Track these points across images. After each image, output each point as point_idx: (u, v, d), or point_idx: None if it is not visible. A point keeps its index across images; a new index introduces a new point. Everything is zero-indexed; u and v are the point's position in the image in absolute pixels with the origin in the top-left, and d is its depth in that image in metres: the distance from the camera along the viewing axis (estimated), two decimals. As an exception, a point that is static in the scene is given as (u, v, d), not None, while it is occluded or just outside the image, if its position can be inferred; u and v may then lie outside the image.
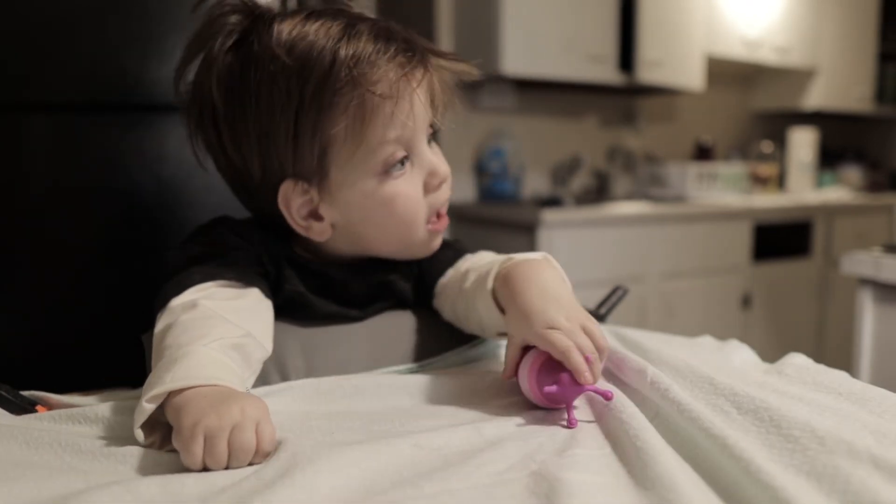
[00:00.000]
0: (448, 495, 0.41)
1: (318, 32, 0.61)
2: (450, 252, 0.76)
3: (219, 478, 0.44)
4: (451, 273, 0.74)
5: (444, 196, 0.69)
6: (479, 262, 0.72)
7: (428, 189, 0.67)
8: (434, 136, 0.70)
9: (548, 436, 0.51)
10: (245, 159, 0.64)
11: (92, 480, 0.44)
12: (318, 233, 0.67)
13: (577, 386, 0.54)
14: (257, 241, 0.68)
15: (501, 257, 0.69)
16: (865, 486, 0.38)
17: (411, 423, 0.54)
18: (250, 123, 0.62)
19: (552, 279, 0.61)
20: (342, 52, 0.60)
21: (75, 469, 0.46)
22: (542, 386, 0.55)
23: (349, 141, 0.62)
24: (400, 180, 0.65)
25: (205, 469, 0.46)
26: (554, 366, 0.55)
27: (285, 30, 0.61)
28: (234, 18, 0.64)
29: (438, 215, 0.70)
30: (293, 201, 0.65)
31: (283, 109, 0.60)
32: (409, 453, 0.47)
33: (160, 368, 0.52)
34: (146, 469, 0.47)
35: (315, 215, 0.66)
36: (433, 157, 0.67)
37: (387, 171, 0.64)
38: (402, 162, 0.65)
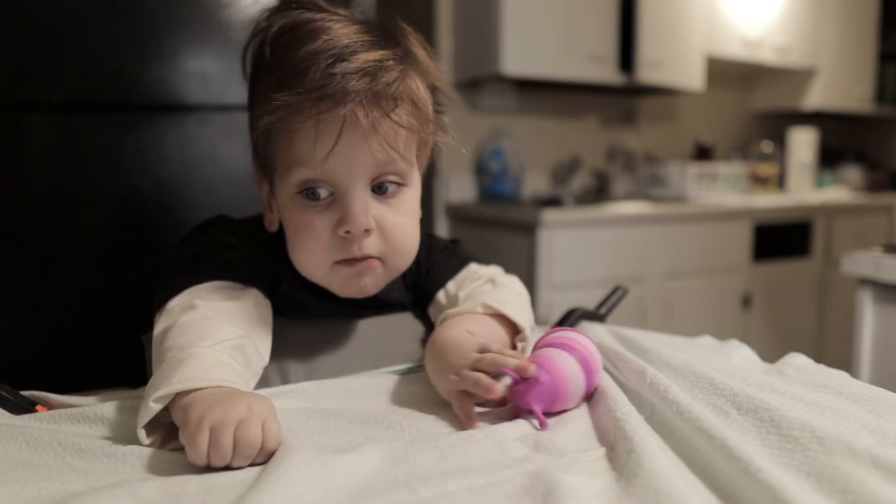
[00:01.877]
0: (443, 498, 0.41)
1: (315, 32, 0.61)
2: (452, 262, 0.76)
3: (218, 478, 0.44)
4: (451, 286, 0.75)
5: (357, 249, 0.62)
6: (470, 287, 0.73)
7: (338, 233, 0.62)
8: (396, 187, 0.64)
9: (544, 437, 0.51)
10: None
11: (92, 481, 0.44)
12: (268, 221, 0.69)
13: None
14: (254, 240, 0.68)
15: (483, 294, 0.70)
16: (865, 486, 0.38)
17: (409, 424, 0.54)
18: (249, 95, 0.68)
19: (447, 338, 0.63)
20: (302, 54, 0.59)
21: (76, 469, 0.46)
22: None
23: (278, 150, 0.62)
24: (312, 210, 0.62)
25: (208, 466, 0.46)
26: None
27: (284, 24, 0.63)
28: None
29: (360, 261, 0.63)
30: (262, 186, 0.68)
31: (251, 101, 0.65)
32: (405, 454, 0.47)
33: (164, 370, 0.51)
34: (147, 468, 0.47)
35: (269, 205, 0.68)
36: (353, 204, 0.61)
37: (301, 193, 0.62)
38: (314, 193, 0.61)
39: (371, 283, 0.66)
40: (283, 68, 0.60)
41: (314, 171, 0.60)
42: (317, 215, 0.62)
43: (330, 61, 0.58)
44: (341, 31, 0.61)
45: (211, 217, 0.71)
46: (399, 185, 0.64)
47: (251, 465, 0.46)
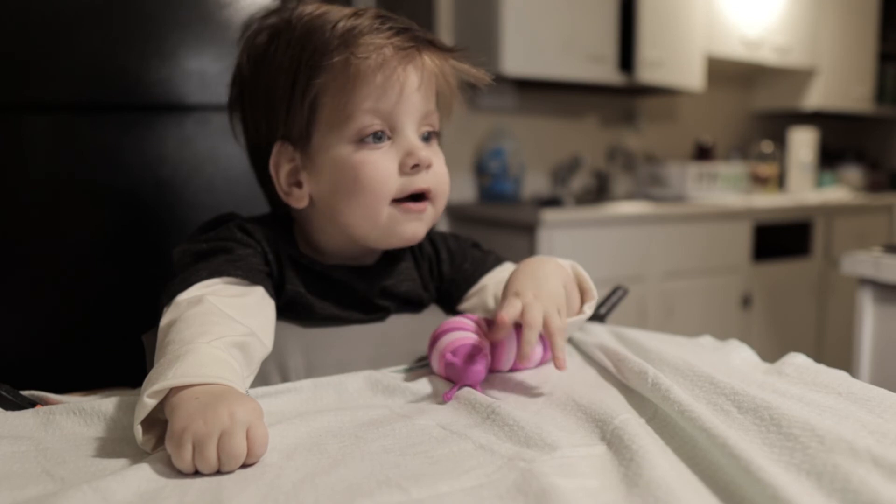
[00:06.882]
0: (435, 499, 0.41)
1: (333, 11, 0.66)
2: (491, 256, 0.80)
3: (203, 482, 0.44)
4: (486, 279, 0.78)
5: (420, 181, 0.68)
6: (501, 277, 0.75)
7: (402, 169, 0.67)
8: (434, 137, 0.71)
9: (539, 437, 0.50)
10: (255, 119, 0.70)
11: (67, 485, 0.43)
12: (296, 199, 0.69)
13: (471, 368, 0.60)
14: (263, 238, 0.68)
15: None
16: (865, 484, 0.38)
17: (404, 424, 0.53)
18: (261, 83, 0.69)
19: (547, 270, 0.67)
20: (342, 24, 0.65)
21: (52, 476, 0.45)
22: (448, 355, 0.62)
23: (333, 104, 0.65)
24: (374, 152, 0.66)
25: (197, 472, 0.45)
26: (478, 350, 0.62)
27: (307, 9, 0.67)
28: (273, 19, 0.70)
29: (415, 199, 0.68)
30: (282, 166, 0.69)
31: (286, 70, 0.66)
32: (396, 456, 0.47)
33: (162, 365, 0.51)
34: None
35: (297, 181, 0.69)
36: (415, 142, 0.67)
37: (361, 140, 0.66)
38: (378, 136, 0.66)
39: (422, 229, 0.70)
40: (312, 39, 0.65)
41: (379, 118, 0.66)
42: (381, 154, 0.66)
43: (382, 22, 0.65)
44: (342, 12, 0.67)
45: (221, 213, 0.72)
46: (434, 133, 0.70)
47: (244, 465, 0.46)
